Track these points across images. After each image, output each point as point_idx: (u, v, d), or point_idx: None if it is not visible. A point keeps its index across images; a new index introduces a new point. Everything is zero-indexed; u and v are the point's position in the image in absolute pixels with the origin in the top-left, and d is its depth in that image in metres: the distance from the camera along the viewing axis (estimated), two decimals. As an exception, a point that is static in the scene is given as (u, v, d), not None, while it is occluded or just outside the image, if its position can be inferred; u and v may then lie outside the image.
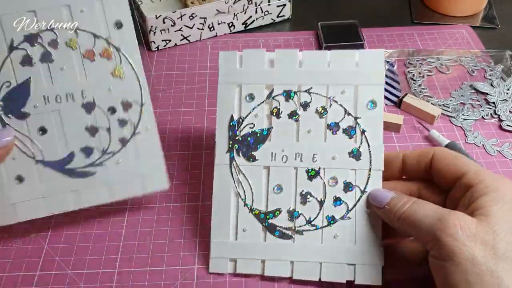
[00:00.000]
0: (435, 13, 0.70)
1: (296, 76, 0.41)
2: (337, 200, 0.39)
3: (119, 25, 0.39)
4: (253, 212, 0.40)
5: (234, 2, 0.63)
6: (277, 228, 0.40)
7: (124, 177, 0.40)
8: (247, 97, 0.41)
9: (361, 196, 0.39)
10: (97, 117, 0.39)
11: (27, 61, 0.38)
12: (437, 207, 0.34)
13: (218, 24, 0.65)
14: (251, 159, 0.40)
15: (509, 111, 0.54)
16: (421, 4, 0.72)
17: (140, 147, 0.40)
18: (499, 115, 0.54)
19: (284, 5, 0.67)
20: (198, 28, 0.64)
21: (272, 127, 0.41)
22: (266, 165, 0.40)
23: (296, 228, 0.39)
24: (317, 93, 0.40)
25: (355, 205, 0.39)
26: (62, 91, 0.39)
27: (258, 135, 0.41)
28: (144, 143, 0.40)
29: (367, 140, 0.40)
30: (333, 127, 0.40)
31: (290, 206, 0.40)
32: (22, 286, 0.39)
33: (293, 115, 0.41)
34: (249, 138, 0.41)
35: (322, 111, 0.40)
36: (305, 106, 0.40)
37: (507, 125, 0.52)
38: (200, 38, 0.65)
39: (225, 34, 0.67)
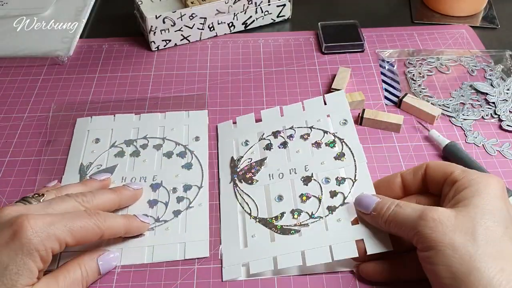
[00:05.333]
0: (435, 13, 0.70)
1: (280, 123, 0.51)
2: (333, 193, 0.44)
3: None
4: (260, 221, 0.43)
5: (234, 2, 0.63)
6: (283, 227, 0.42)
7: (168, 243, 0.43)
8: (243, 143, 0.50)
9: (353, 183, 0.44)
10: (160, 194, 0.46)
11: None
12: (417, 205, 0.36)
13: (218, 24, 0.65)
14: (252, 182, 0.46)
15: (509, 111, 0.54)
16: (421, 4, 0.72)
17: (190, 219, 0.44)
18: (499, 115, 0.54)
19: (284, 5, 0.67)
20: (198, 28, 0.64)
21: (266, 157, 0.48)
22: (266, 184, 0.46)
23: (301, 223, 0.42)
24: (298, 127, 0.50)
25: (350, 191, 0.43)
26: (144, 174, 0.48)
27: (255, 164, 0.48)
28: (194, 216, 0.45)
29: (347, 144, 0.47)
30: (316, 144, 0.48)
31: (292, 208, 0.43)
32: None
33: (282, 145, 0.49)
34: (247, 168, 0.47)
35: (306, 136, 0.49)
36: (290, 137, 0.49)
37: (507, 125, 0.52)
38: (200, 38, 0.65)
39: (225, 34, 0.67)
